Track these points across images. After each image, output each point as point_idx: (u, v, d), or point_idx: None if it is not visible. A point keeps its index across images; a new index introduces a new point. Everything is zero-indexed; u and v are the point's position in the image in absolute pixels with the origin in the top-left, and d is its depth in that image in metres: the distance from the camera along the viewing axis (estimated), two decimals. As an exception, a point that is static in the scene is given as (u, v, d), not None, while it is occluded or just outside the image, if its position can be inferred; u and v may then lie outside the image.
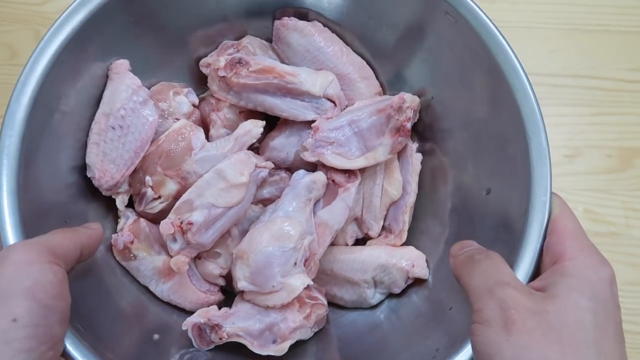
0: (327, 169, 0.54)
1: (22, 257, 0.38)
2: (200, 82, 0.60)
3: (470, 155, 0.54)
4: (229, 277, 0.54)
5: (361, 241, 0.58)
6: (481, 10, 0.49)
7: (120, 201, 0.53)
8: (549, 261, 0.42)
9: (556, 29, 0.69)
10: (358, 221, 0.57)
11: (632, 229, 0.63)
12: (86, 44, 0.50)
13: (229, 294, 0.56)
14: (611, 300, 0.38)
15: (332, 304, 0.56)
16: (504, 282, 0.38)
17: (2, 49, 0.67)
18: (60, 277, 0.39)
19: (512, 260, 0.43)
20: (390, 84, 0.60)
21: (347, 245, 0.57)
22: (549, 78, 0.68)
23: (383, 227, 0.57)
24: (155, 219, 0.53)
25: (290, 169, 0.57)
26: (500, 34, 0.49)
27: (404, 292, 0.55)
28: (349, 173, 0.54)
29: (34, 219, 0.45)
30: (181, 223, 0.50)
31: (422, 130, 0.58)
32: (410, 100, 0.53)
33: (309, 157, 0.53)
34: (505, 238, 0.46)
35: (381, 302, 0.56)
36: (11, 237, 0.43)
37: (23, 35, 0.67)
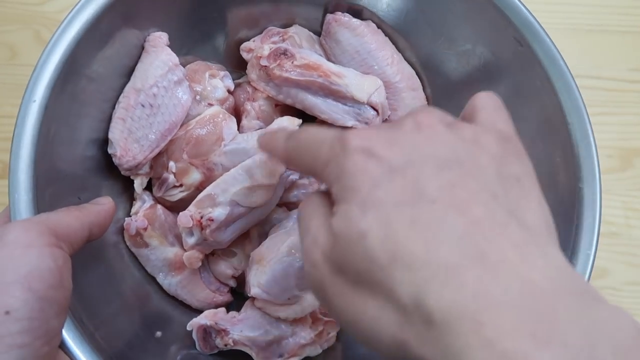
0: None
1: (20, 238, 0.34)
2: (237, 66, 0.56)
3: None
4: (240, 279, 0.51)
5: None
6: (553, 43, 0.46)
7: (139, 183, 0.49)
8: None
9: (556, 29, 0.69)
10: (383, 239, 0.54)
11: (632, 229, 0.62)
12: (125, 10, 0.46)
13: (238, 295, 0.53)
14: None
15: (344, 322, 0.53)
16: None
17: (2, 49, 0.65)
18: (61, 263, 0.35)
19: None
20: (436, 100, 0.56)
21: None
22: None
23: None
24: (173, 207, 0.50)
25: (320, 174, 0.54)
26: (569, 70, 0.46)
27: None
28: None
29: (46, 191, 0.42)
30: (201, 218, 0.47)
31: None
32: None
33: None
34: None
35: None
36: (23, 211, 0.40)
37: (23, 35, 0.65)
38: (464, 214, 0.25)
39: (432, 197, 0.26)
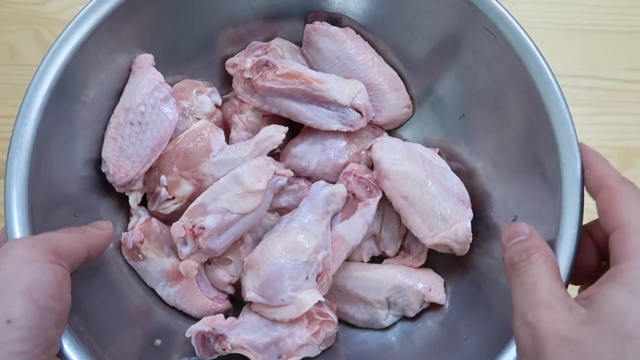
0: (348, 182, 0.52)
1: (23, 254, 0.36)
2: (225, 82, 0.58)
3: (499, 178, 0.51)
4: (238, 286, 0.52)
5: (377, 259, 0.56)
6: (522, 28, 0.47)
7: (134, 199, 0.51)
8: (612, 260, 0.35)
9: (556, 29, 0.69)
10: (376, 238, 0.54)
11: (632, 228, 0.61)
12: (112, 35, 0.48)
13: (237, 302, 0.54)
14: None
15: (343, 322, 0.54)
16: (537, 302, 0.34)
17: (2, 49, 0.66)
18: (61, 277, 0.37)
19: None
20: (420, 99, 0.57)
21: (362, 262, 0.55)
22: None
23: (402, 247, 0.55)
24: (168, 219, 0.52)
25: (310, 179, 0.55)
26: (541, 54, 0.47)
27: (418, 316, 0.53)
28: (370, 187, 0.52)
29: (43, 211, 0.44)
30: (193, 227, 0.48)
31: (451, 149, 0.55)
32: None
33: None
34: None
35: (394, 324, 0.53)
36: (17, 231, 0.41)
37: (23, 35, 0.67)
38: None
39: None
